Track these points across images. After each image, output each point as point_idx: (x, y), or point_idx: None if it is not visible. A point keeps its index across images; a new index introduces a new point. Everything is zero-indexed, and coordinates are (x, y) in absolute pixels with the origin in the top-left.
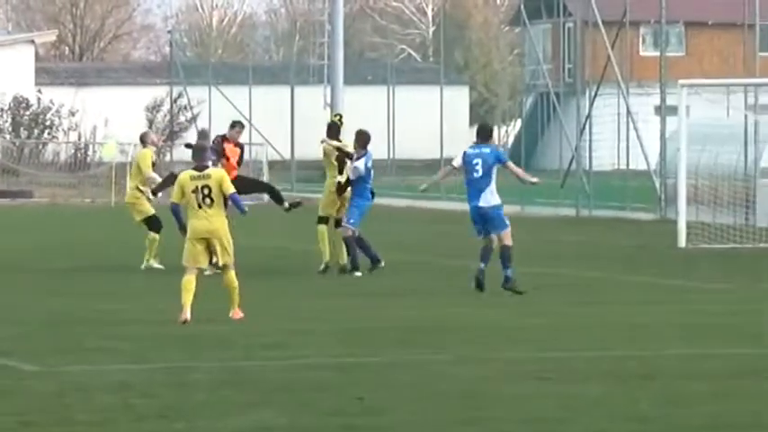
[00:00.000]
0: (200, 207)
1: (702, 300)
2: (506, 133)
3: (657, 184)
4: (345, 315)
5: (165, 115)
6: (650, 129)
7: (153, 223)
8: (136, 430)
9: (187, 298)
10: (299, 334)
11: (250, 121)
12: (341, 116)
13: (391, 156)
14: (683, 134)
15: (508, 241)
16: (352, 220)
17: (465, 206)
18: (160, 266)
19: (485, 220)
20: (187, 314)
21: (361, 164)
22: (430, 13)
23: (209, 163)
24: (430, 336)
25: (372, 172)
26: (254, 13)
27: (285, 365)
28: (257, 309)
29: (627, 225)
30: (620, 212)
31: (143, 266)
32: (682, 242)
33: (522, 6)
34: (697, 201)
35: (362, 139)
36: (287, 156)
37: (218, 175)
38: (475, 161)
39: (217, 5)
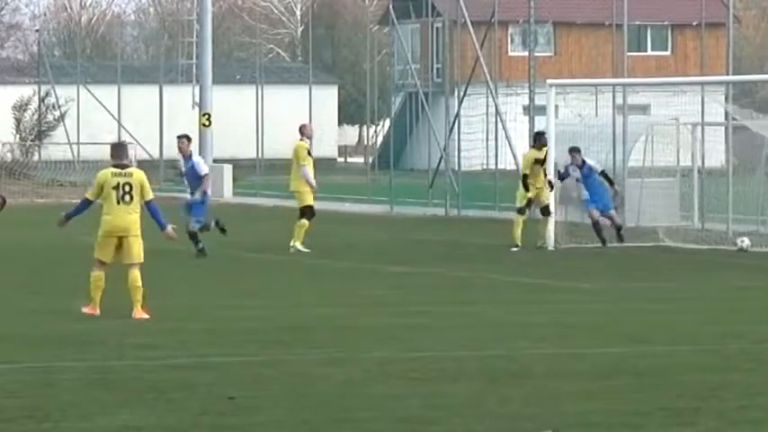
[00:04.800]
0: (118, 203)
1: (571, 299)
2: (375, 133)
3: None
4: (215, 314)
5: (33, 114)
6: (519, 128)
7: (307, 212)
8: (2, 431)
9: (97, 294)
10: (169, 333)
11: (119, 121)
12: (209, 116)
13: (260, 155)
14: (551, 134)
15: None
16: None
17: (333, 205)
18: (306, 250)
19: None
20: (97, 310)
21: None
22: (298, 13)
23: (128, 161)
24: (300, 335)
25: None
26: (122, 13)
27: (155, 365)
28: (125, 308)
29: (496, 225)
30: (488, 212)
31: (291, 249)
32: (550, 242)
33: (390, 6)
34: (566, 200)
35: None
36: (156, 155)
37: (140, 176)
38: None
39: (85, 5)
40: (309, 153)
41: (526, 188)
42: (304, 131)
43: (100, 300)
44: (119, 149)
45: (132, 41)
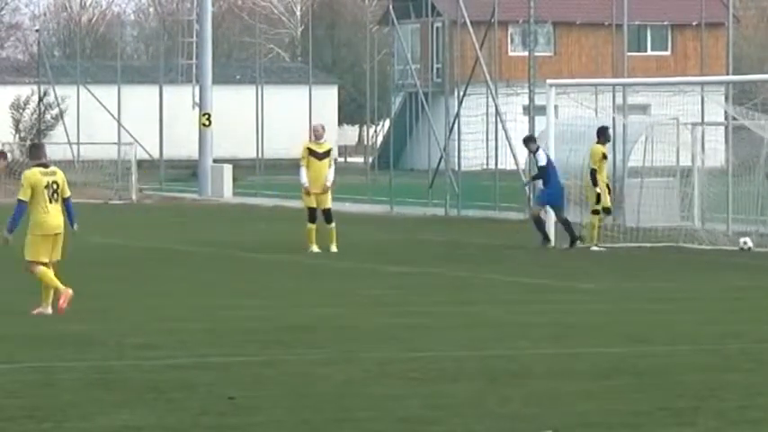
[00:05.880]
0: (50, 202)
1: (571, 299)
2: (375, 133)
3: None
4: (215, 314)
5: (33, 113)
6: (519, 128)
7: (308, 214)
8: (2, 431)
9: (54, 282)
10: (169, 333)
11: (119, 121)
12: (209, 116)
13: (260, 155)
14: (551, 134)
15: None
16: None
17: (334, 205)
18: (317, 250)
19: None
20: (69, 291)
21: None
22: (298, 13)
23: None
24: (300, 335)
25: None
26: (122, 13)
27: (155, 365)
28: (125, 309)
29: (496, 225)
30: (488, 212)
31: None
32: (550, 242)
33: (390, 6)
34: (566, 200)
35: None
36: (156, 155)
37: (62, 175)
38: None
39: (85, 5)
40: (313, 153)
41: (595, 183)
42: (312, 131)
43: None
44: (40, 150)
45: (132, 41)
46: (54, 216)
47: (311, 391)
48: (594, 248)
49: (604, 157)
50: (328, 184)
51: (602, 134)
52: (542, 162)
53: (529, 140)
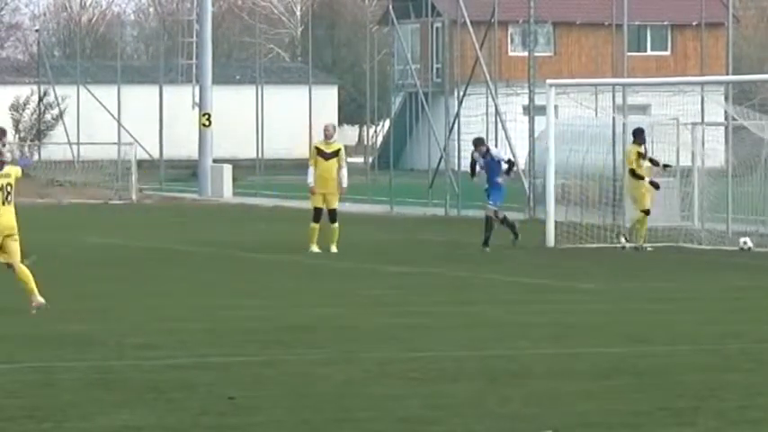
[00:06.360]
0: (3, 204)
1: (571, 299)
2: (375, 133)
3: (526, 184)
4: (215, 314)
5: (33, 113)
6: (519, 128)
7: (316, 214)
8: (2, 431)
9: (31, 285)
10: (169, 333)
11: (119, 121)
12: (209, 116)
13: (260, 155)
14: (550, 134)
15: None
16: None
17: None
18: (317, 250)
19: None
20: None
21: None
22: (298, 13)
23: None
24: (300, 335)
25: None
26: (122, 13)
27: (155, 365)
28: (125, 309)
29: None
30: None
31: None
32: (550, 242)
33: (390, 6)
34: (566, 200)
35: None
36: (156, 155)
37: (16, 173)
38: None
39: (85, 5)
40: (321, 153)
41: (641, 177)
42: (323, 131)
43: None
44: None
45: (132, 41)
46: (6, 218)
47: (311, 391)
48: (649, 248)
49: (639, 156)
50: (344, 185)
51: (639, 135)
52: (504, 156)
53: (480, 142)
